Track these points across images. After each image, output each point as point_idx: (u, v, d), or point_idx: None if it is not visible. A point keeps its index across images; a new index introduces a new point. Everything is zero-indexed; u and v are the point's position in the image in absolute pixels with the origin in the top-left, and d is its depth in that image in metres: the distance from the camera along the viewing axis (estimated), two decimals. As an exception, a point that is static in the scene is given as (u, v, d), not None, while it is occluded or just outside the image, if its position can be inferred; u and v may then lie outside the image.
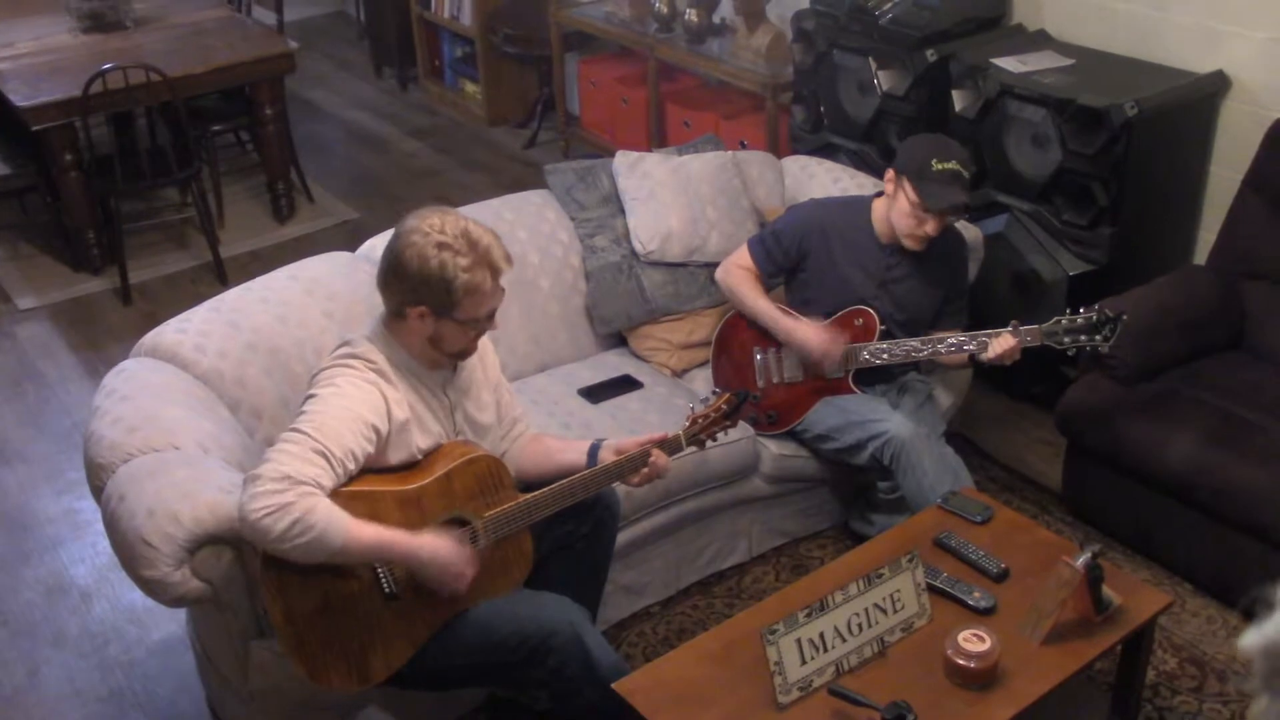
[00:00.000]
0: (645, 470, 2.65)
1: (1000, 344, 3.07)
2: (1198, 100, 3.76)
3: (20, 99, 4.83)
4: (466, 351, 2.53)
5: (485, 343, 2.69)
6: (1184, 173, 3.87)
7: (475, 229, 2.43)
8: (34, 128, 4.85)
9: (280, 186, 5.70)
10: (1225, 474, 3.07)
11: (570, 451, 2.74)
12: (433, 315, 2.42)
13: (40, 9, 5.91)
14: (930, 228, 3.14)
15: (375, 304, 2.56)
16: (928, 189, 3.08)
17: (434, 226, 2.40)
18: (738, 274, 3.35)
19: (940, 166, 3.07)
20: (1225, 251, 3.61)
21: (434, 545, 2.38)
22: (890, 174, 3.18)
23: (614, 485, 2.74)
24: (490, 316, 2.49)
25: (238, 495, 2.27)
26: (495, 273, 2.45)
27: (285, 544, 2.22)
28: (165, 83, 4.81)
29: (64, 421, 4.30)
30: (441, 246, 2.38)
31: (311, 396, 2.39)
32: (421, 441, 2.49)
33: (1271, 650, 0.90)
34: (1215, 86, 3.76)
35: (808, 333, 3.23)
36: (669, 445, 2.70)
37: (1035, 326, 3.06)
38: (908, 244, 3.20)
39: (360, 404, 2.37)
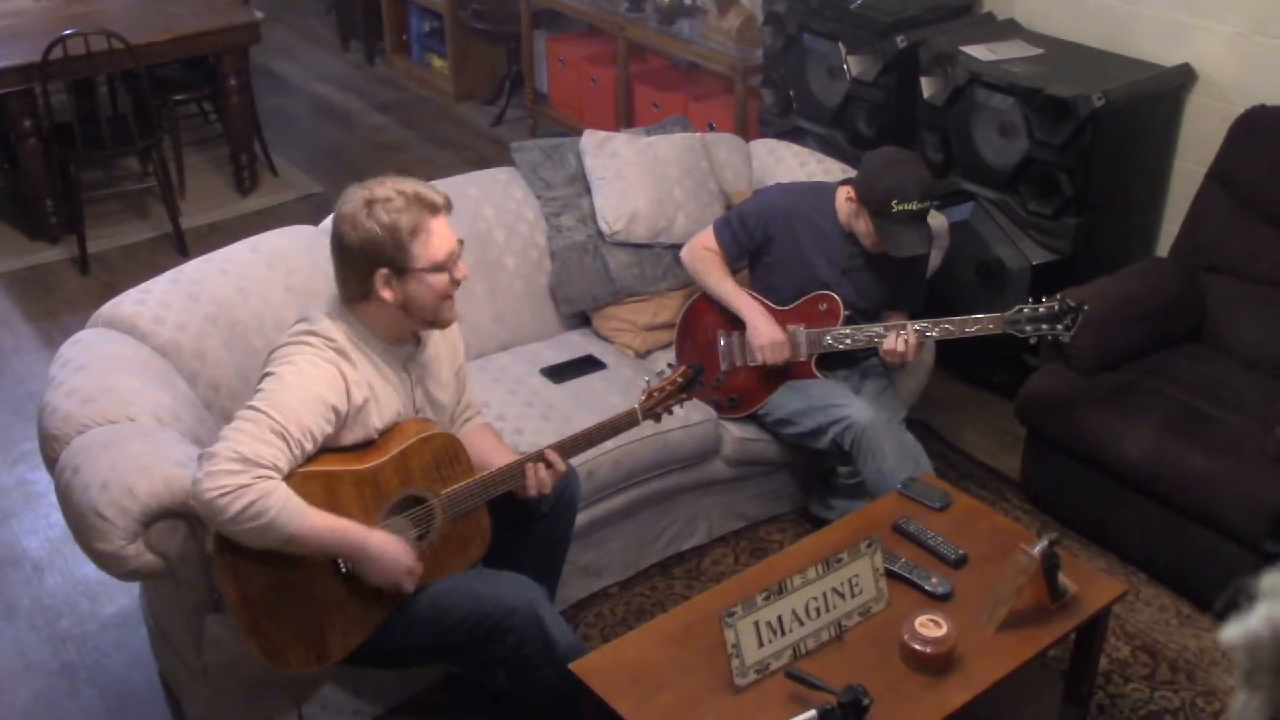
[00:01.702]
0: (533, 477, 2.58)
1: (891, 342, 3.10)
2: (1164, 93, 3.79)
3: (-23, 63, 4.75)
4: (441, 315, 2.48)
5: (454, 327, 2.67)
6: (1149, 165, 3.90)
7: (396, 180, 2.42)
8: (-8, 93, 4.77)
9: (243, 158, 5.64)
10: (1182, 465, 3.10)
11: (504, 455, 2.67)
12: (395, 276, 2.38)
13: (0, -28, 5.81)
14: (884, 247, 3.15)
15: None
16: (888, 231, 3.09)
17: (356, 195, 2.39)
18: (703, 254, 3.34)
19: (900, 208, 3.06)
20: (1188, 244, 3.63)
21: (383, 541, 2.37)
22: (851, 193, 3.18)
23: (574, 464, 2.74)
24: (454, 262, 2.45)
25: (193, 470, 2.25)
26: (432, 208, 2.41)
27: (237, 526, 2.19)
28: (127, 50, 4.74)
29: (18, 391, 4.24)
30: (369, 203, 2.37)
31: (269, 375, 2.35)
32: (379, 420, 2.46)
33: (1253, 644, 0.90)
34: (1181, 79, 3.78)
35: (759, 322, 3.23)
36: (624, 421, 2.69)
37: (997, 315, 3.07)
38: (865, 243, 3.21)
39: (319, 383, 2.34)
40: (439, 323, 2.52)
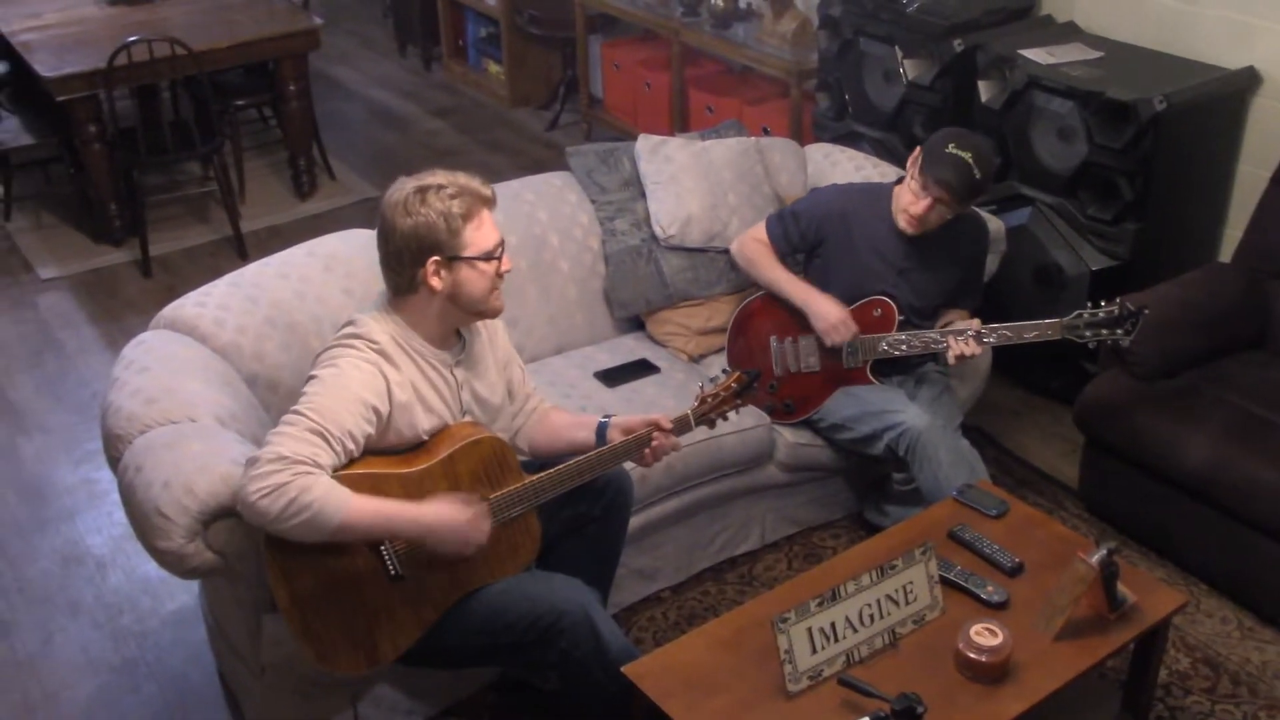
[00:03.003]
0: (649, 450, 2.63)
1: (958, 348, 3.09)
2: (1227, 96, 3.73)
3: (45, 70, 4.84)
4: (490, 304, 2.50)
5: (496, 322, 2.69)
6: (1211, 169, 3.84)
7: (446, 172, 2.45)
8: (59, 99, 4.86)
9: (302, 163, 5.71)
10: (1244, 473, 3.05)
11: (580, 429, 2.72)
12: (445, 264, 2.40)
13: (66, -20, 5.93)
14: (922, 207, 3.11)
15: (392, 281, 2.56)
16: (931, 164, 3.08)
17: (407, 184, 2.42)
18: (753, 245, 3.34)
19: (954, 151, 3.05)
20: (1251, 249, 3.58)
21: (436, 511, 2.37)
22: (916, 151, 3.17)
23: (627, 468, 2.74)
24: (501, 253, 2.47)
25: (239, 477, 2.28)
26: (483, 199, 2.44)
27: (284, 524, 2.22)
28: (190, 56, 4.82)
29: (82, 392, 4.32)
30: (421, 190, 2.40)
31: (312, 378, 2.39)
32: (425, 423, 2.48)
33: None
34: (1246, 82, 3.72)
35: (823, 302, 3.22)
36: (678, 424, 2.68)
37: (1055, 320, 3.04)
38: (900, 221, 3.18)
39: (359, 385, 2.37)
40: (488, 312, 2.53)
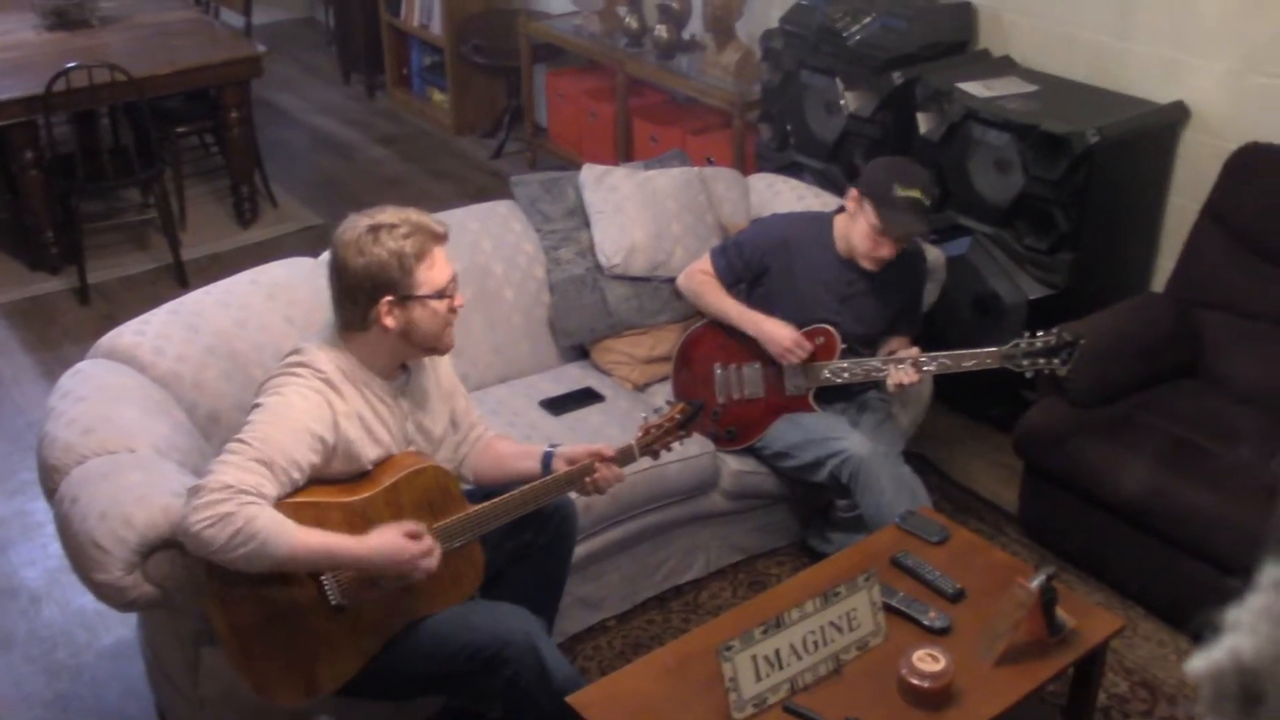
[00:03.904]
0: (591, 480, 2.62)
1: (897, 377, 3.13)
2: (1158, 129, 3.82)
3: (-19, 95, 4.78)
4: (442, 341, 2.50)
5: (444, 359, 2.69)
6: (1144, 201, 3.92)
7: (398, 209, 2.45)
8: (-6, 124, 4.79)
9: (244, 190, 5.66)
10: (1178, 499, 3.11)
11: (525, 458, 2.72)
12: (398, 303, 2.40)
13: (4, 5, 5.84)
14: (886, 251, 3.18)
15: (337, 310, 2.54)
16: (887, 214, 3.12)
17: (359, 222, 2.41)
18: (700, 278, 3.37)
19: (903, 193, 3.10)
20: (1183, 280, 3.65)
21: (379, 542, 2.34)
22: (854, 193, 3.21)
23: (572, 497, 2.74)
24: (454, 290, 2.48)
25: (181, 506, 2.25)
26: (435, 236, 2.44)
27: (229, 554, 2.19)
28: (130, 82, 4.77)
29: (17, 421, 4.24)
30: (374, 229, 2.39)
31: (257, 406, 2.36)
32: (370, 452, 2.46)
33: (1218, 675, 0.91)
34: (1175, 116, 3.81)
35: (774, 326, 3.24)
36: (622, 455, 2.69)
37: (994, 349, 3.09)
38: (864, 264, 3.23)
39: (305, 414, 2.35)
40: (439, 348, 2.54)
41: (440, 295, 2.44)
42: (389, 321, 2.41)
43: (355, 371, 2.46)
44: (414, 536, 2.38)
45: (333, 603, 2.40)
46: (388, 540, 2.36)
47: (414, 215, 2.44)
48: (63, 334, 4.81)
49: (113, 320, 3.39)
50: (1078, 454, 3.31)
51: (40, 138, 4.88)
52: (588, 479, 2.62)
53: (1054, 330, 3.07)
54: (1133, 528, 3.24)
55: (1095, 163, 3.59)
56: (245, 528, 2.18)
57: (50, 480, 2.55)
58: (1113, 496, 3.24)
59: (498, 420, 3.25)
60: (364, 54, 7.40)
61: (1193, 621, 0.96)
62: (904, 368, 3.13)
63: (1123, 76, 3.94)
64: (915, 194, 3.10)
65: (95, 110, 5.16)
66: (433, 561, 2.40)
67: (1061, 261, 3.73)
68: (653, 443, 2.73)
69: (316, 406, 2.37)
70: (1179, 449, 3.23)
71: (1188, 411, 3.37)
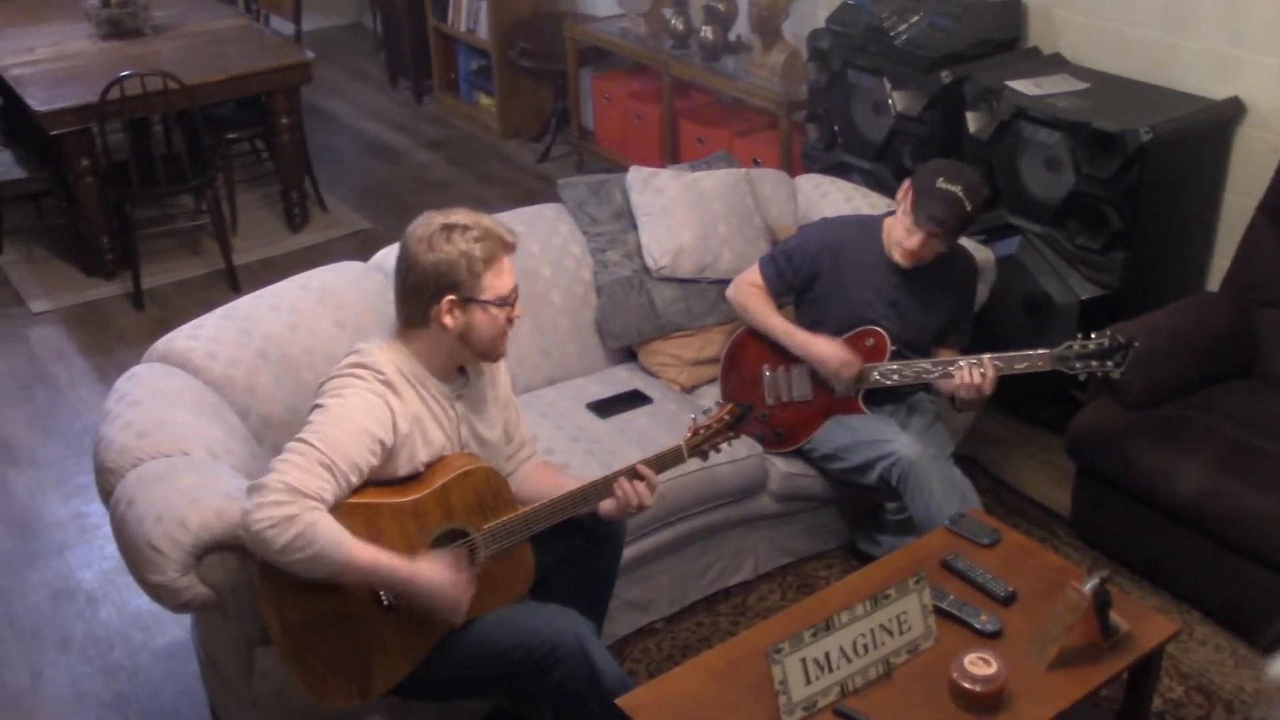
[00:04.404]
0: (625, 488, 2.60)
1: (965, 375, 3.07)
2: (1213, 126, 3.76)
3: (38, 104, 4.86)
4: (498, 347, 2.52)
5: (502, 367, 2.70)
6: (1198, 198, 3.87)
7: (472, 212, 2.47)
8: (51, 132, 4.88)
9: (294, 195, 5.73)
10: (1235, 502, 3.06)
11: (569, 486, 2.68)
12: (460, 304, 2.42)
13: (60, 15, 5.95)
14: (915, 242, 3.14)
15: (386, 314, 2.57)
16: (921, 201, 3.10)
17: (433, 219, 2.44)
18: (748, 290, 3.35)
19: (944, 186, 3.08)
20: (1239, 278, 3.60)
21: (430, 572, 2.37)
22: (905, 184, 3.20)
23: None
24: (515, 298, 2.50)
25: (242, 502, 2.28)
26: (505, 245, 2.46)
27: (286, 557, 2.22)
28: (182, 90, 4.83)
29: (74, 425, 4.31)
30: (447, 228, 2.41)
31: (318, 407, 2.39)
32: (423, 454, 2.48)
33: None
34: (1231, 113, 3.75)
35: (824, 346, 3.23)
36: (670, 457, 2.69)
37: (1046, 351, 3.05)
38: (895, 255, 3.21)
39: (366, 416, 2.37)
40: (492, 355, 2.55)
41: (502, 303, 2.47)
42: (448, 320, 2.43)
43: (414, 370, 2.48)
44: (458, 570, 2.41)
45: (385, 603, 2.41)
46: (438, 569, 2.38)
47: (487, 221, 2.46)
48: (117, 339, 4.88)
49: (166, 325, 3.44)
50: (1131, 456, 3.27)
51: (95, 145, 4.95)
52: (619, 490, 2.61)
53: (1107, 332, 3.03)
54: (1188, 530, 3.19)
55: (1148, 160, 3.54)
56: (306, 532, 2.21)
57: (106, 483, 2.59)
58: (1168, 499, 3.19)
59: (546, 423, 3.26)
60: (411, 59, 7.46)
61: (1269, 629, 0.95)
62: (979, 366, 3.08)
63: (1176, 73, 3.88)
64: (955, 190, 3.07)
65: (148, 118, 5.24)
66: (464, 604, 2.43)
67: (1114, 261, 3.69)
68: (701, 444, 2.74)
69: (377, 409, 2.39)
70: (1235, 450, 3.18)
71: (1244, 412, 3.31)
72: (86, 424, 4.26)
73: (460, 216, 2.44)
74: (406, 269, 2.44)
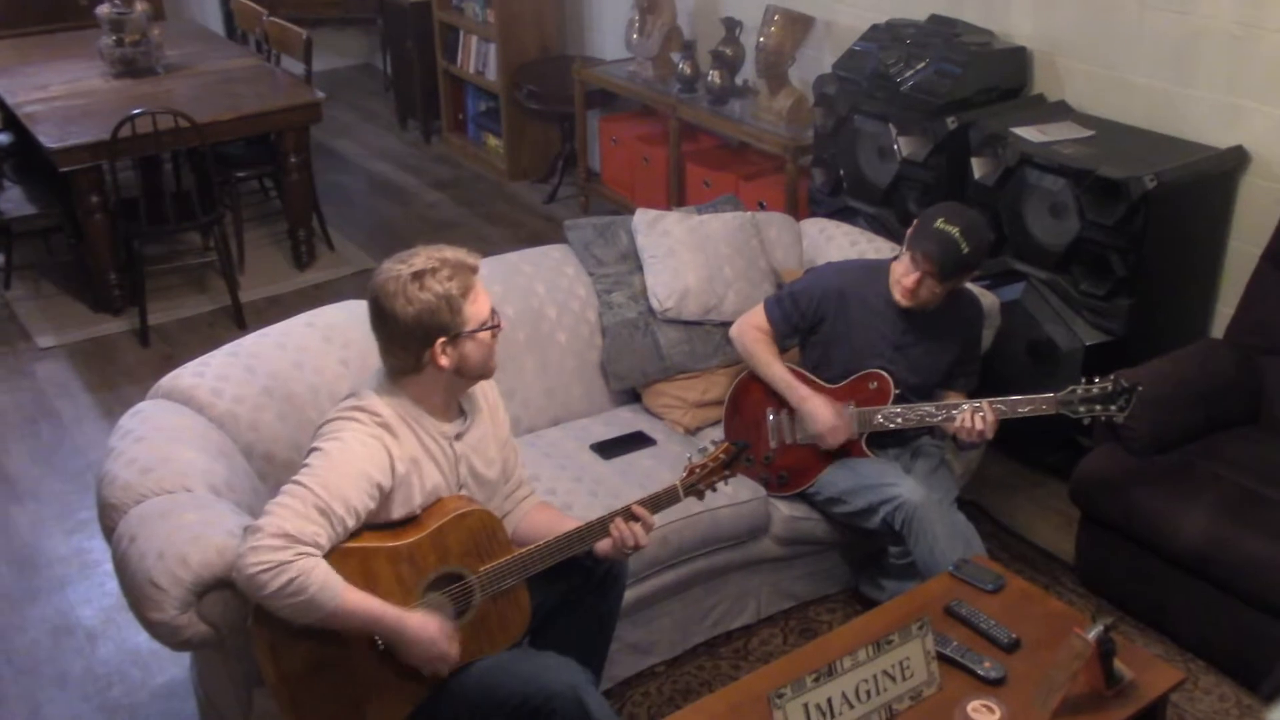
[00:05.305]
0: (621, 529, 2.59)
1: (966, 419, 3.07)
2: (1217, 175, 3.78)
3: (50, 141, 4.90)
4: (490, 364, 2.53)
5: (497, 399, 2.71)
6: (1203, 246, 3.88)
7: (429, 250, 2.46)
8: (62, 169, 4.91)
9: (301, 234, 5.75)
10: (1241, 549, 3.05)
11: (567, 523, 2.69)
12: (450, 342, 2.43)
13: (75, 54, 6.02)
14: (911, 280, 3.15)
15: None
16: (919, 237, 3.12)
17: (395, 270, 2.43)
18: (753, 334, 3.35)
19: (942, 226, 3.09)
20: (1244, 325, 3.60)
21: (421, 624, 2.37)
22: (914, 224, 3.21)
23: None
24: (496, 315, 2.51)
25: (237, 544, 2.27)
26: (472, 269, 2.47)
27: (277, 602, 2.22)
28: (193, 128, 4.87)
29: (77, 461, 4.31)
30: (417, 276, 2.41)
31: (316, 450, 2.39)
32: (419, 497, 2.48)
33: None
34: (1235, 161, 3.77)
35: (818, 407, 3.23)
36: (666, 496, 2.68)
37: (1050, 395, 3.05)
38: (896, 294, 3.21)
39: (365, 460, 2.37)
40: (488, 374, 2.57)
41: (485, 326, 2.48)
42: (443, 361, 2.43)
43: (410, 413, 2.48)
44: (449, 638, 2.42)
45: (381, 647, 2.40)
46: (429, 629, 2.38)
47: (447, 253, 2.46)
48: (123, 374, 4.89)
49: (172, 361, 3.45)
50: (1136, 502, 3.26)
51: (105, 182, 4.99)
52: (614, 531, 2.60)
53: (1111, 376, 3.03)
54: (1193, 578, 3.18)
55: (1152, 208, 3.56)
56: (298, 579, 2.21)
57: (109, 519, 2.59)
58: (1172, 546, 3.18)
59: (549, 463, 3.26)
60: (421, 100, 7.52)
61: (1269, 679, 0.94)
62: (981, 411, 3.08)
63: (1180, 121, 3.91)
64: (953, 231, 3.08)
65: (159, 155, 5.28)
66: (450, 659, 2.43)
67: (1118, 307, 3.70)
68: (697, 483, 2.73)
69: (375, 452, 2.39)
70: (1240, 498, 3.17)
71: (1249, 460, 3.31)
72: (90, 460, 4.26)
73: (421, 260, 2.43)
74: (387, 325, 2.44)
